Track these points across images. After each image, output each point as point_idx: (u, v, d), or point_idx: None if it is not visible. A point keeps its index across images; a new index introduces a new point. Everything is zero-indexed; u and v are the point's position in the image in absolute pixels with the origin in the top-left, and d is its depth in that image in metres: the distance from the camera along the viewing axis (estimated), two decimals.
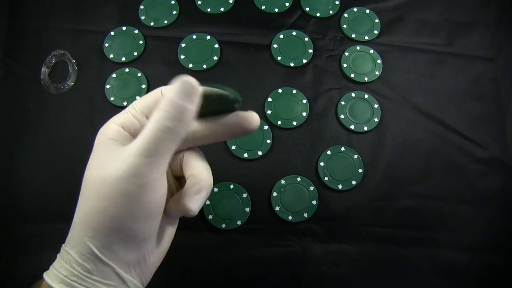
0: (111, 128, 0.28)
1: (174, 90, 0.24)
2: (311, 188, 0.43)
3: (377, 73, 0.48)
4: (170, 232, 0.30)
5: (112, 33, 0.50)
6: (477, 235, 0.43)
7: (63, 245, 0.27)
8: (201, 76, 0.42)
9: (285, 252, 0.42)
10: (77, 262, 0.25)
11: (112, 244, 0.26)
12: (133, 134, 0.28)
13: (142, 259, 0.28)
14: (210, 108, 0.27)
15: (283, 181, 0.44)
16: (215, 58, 0.49)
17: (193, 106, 0.25)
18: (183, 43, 0.49)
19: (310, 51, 0.49)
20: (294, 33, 0.50)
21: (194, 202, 0.27)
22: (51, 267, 0.27)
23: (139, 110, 0.28)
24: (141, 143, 0.25)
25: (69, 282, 0.25)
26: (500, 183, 0.45)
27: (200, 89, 0.26)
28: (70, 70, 0.48)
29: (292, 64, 0.49)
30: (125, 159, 0.25)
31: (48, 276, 0.26)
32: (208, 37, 0.50)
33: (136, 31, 0.50)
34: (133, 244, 0.27)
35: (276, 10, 0.51)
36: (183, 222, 0.42)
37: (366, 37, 0.50)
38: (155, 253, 0.29)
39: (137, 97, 0.46)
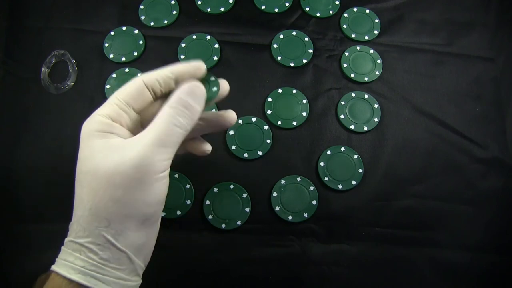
0: (99, 120, 0.28)
1: (186, 91, 0.29)
2: (311, 188, 0.43)
3: (377, 73, 0.48)
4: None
5: (112, 33, 0.50)
6: (477, 235, 0.43)
7: (67, 238, 0.27)
8: None
9: (285, 252, 0.42)
10: (93, 252, 0.26)
11: (126, 230, 0.27)
12: (123, 124, 0.29)
13: (147, 242, 0.29)
14: None
15: (283, 181, 0.44)
16: (215, 58, 0.49)
17: (201, 108, 0.29)
18: (183, 43, 0.49)
19: (310, 51, 0.49)
20: (294, 33, 0.50)
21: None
22: (59, 260, 0.27)
23: (123, 100, 0.29)
24: (155, 134, 0.27)
25: (88, 272, 0.26)
26: (500, 183, 0.45)
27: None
28: (70, 70, 0.48)
29: (292, 64, 0.49)
30: (139, 149, 0.26)
31: (61, 269, 0.26)
32: (208, 37, 0.50)
33: (136, 31, 0.50)
34: (144, 228, 0.28)
35: (276, 10, 0.51)
36: (183, 222, 0.43)
37: (366, 37, 0.50)
38: (156, 235, 0.30)
39: None
